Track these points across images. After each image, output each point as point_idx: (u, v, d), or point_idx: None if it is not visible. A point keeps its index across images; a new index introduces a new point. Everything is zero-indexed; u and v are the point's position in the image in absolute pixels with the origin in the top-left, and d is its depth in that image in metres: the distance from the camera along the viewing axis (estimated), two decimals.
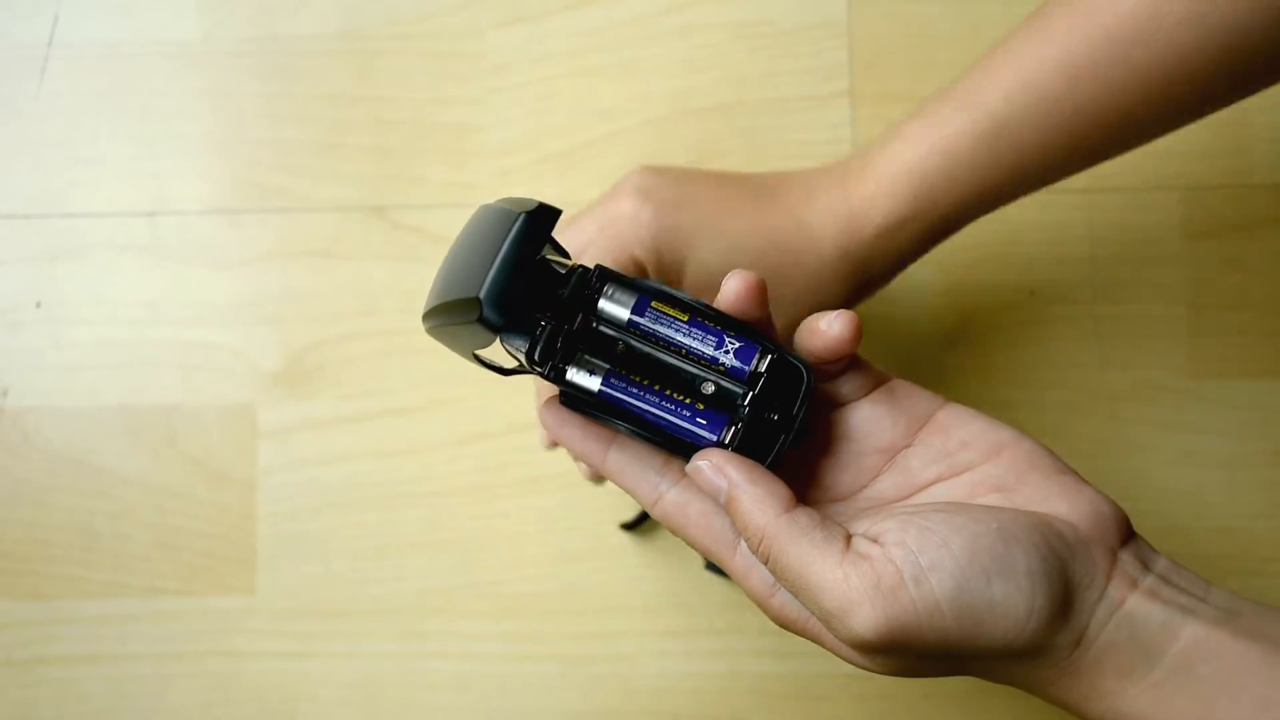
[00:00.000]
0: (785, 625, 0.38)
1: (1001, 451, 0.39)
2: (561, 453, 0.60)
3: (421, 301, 0.59)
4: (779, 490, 0.36)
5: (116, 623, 0.59)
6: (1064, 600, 0.35)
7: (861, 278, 0.49)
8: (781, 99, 0.61)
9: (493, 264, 0.36)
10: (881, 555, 0.35)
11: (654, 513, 0.40)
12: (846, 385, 0.41)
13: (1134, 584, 0.36)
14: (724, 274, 0.38)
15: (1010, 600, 0.34)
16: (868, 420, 0.40)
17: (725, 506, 0.37)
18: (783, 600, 0.38)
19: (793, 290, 0.48)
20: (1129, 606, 0.35)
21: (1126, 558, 0.37)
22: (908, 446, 0.40)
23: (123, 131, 0.62)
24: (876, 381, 0.41)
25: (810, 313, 0.39)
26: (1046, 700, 0.37)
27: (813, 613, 0.36)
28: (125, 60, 0.62)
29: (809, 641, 0.57)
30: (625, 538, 0.59)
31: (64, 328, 0.61)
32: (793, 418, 0.38)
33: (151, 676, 0.59)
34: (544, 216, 0.37)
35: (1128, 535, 0.38)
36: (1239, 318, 0.60)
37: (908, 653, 0.35)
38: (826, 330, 0.38)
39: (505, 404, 0.60)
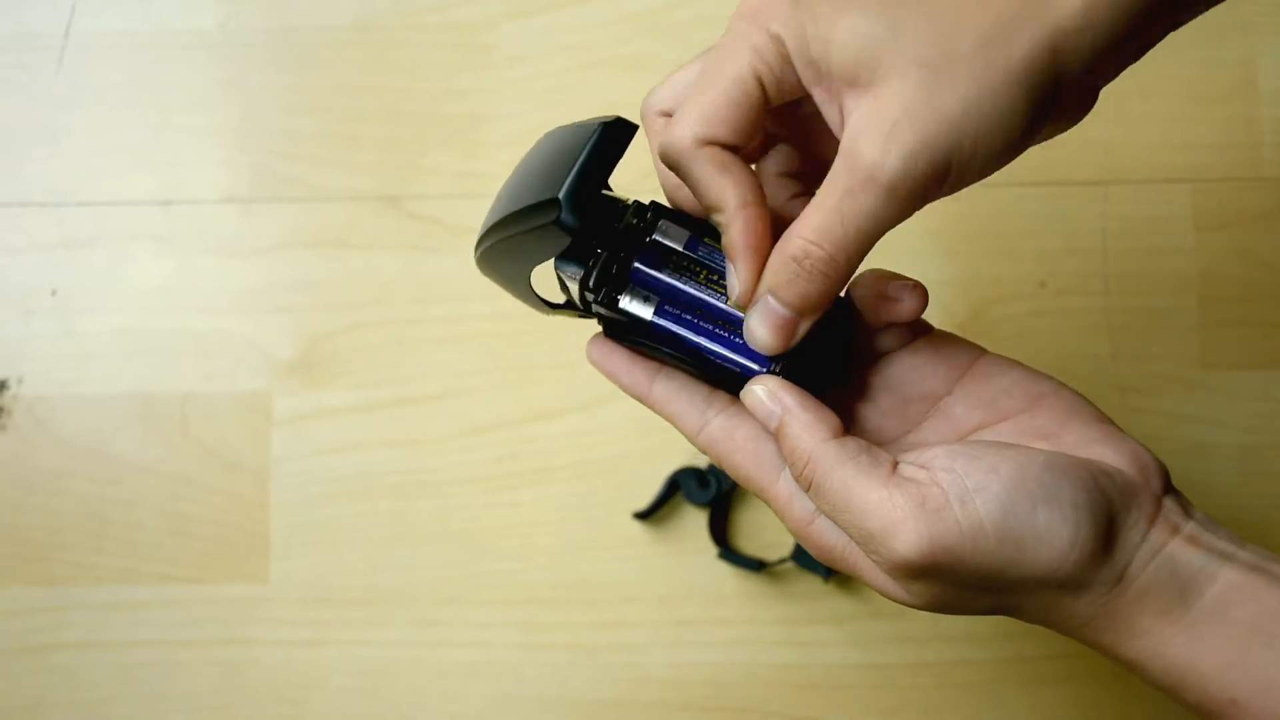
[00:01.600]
0: (822, 555, 0.38)
1: (1043, 400, 0.39)
2: (573, 442, 0.60)
3: (434, 290, 0.60)
4: (828, 417, 0.36)
5: (129, 610, 0.59)
6: (1108, 535, 0.35)
7: (1053, 65, 0.35)
8: None
9: (572, 168, 0.36)
10: (928, 478, 0.35)
11: (699, 440, 0.40)
12: (889, 335, 0.41)
13: (1175, 530, 0.36)
14: (882, 42, 0.33)
15: (1055, 528, 0.34)
16: (910, 368, 0.40)
17: (775, 433, 0.37)
18: (821, 527, 0.38)
19: (968, 43, 0.34)
20: (1170, 550, 0.36)
21: (1169, 504, 0.37)
22: (949, 394, 0.40)
23: (138, 121, 0.62)
24: (916, 331, 0.41)
25: (977, 117, 0.34)
26: (1079, 639, 0.37)
27: (854, 538, 0.36)
28: (141, 50, 0.62)
29: (822, 631, 0.57)
30: (638, 527, 0.60)
31: (79, 316, 0.61)
32: (837, 351, 0.38)
33: (163, 664, 0.59)
34: (622, 128, 0.37)
35: (1168, 484, 0.38)
36: (1249, 310, 0.60)
37: (948, 578, 0.35)
38: (895, 297, 0.38)
39: (518, 394, 0.60)
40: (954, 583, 0.35)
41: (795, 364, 0.37)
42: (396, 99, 0.62)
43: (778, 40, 0.35)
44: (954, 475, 0.35)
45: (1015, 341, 0.60)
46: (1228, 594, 0.35)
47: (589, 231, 0.36)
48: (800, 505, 0.38)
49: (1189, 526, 0.36)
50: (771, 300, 0.36)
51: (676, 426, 0.40)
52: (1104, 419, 0.39)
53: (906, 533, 0.34)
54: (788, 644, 0.59)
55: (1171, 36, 0.59)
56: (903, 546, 0.34)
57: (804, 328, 0.36)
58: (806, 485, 0.36)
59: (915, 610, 0.39)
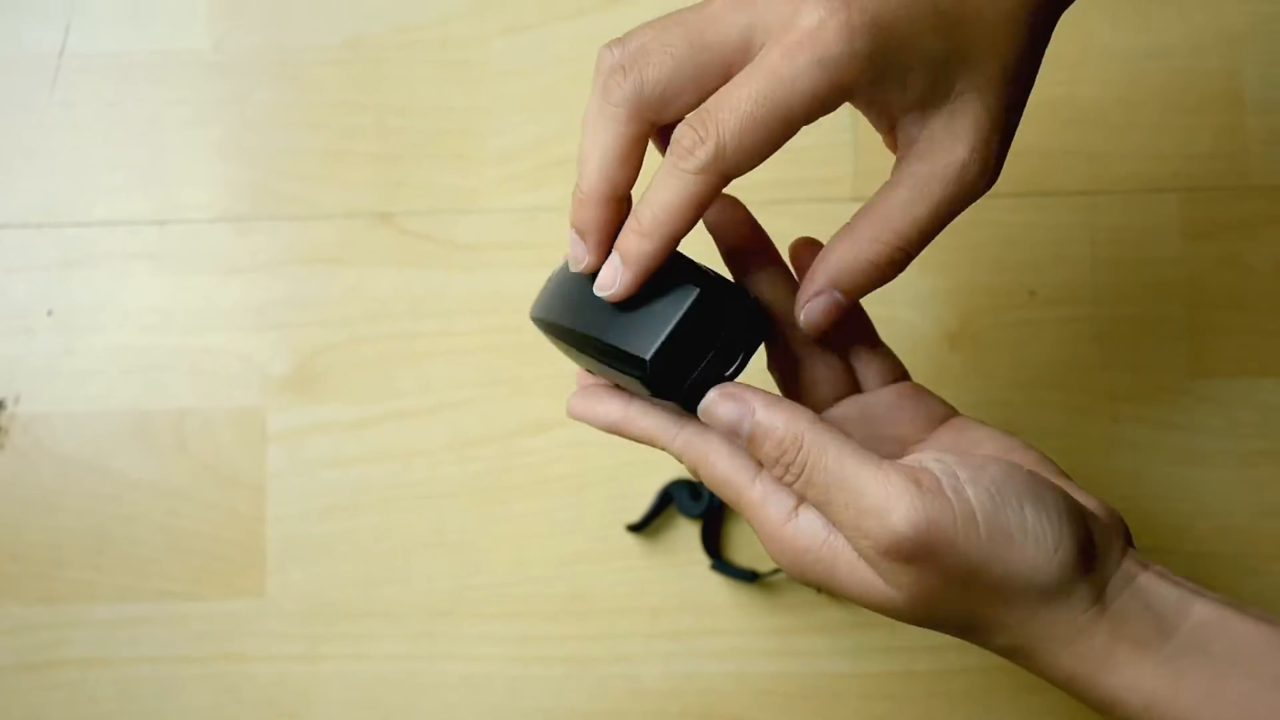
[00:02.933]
0: (796, 559, 0.38)
1: (1012, 453, 0.39)
2: (566, 454, 0.60)
3: (427, 305, 0.60)
4: (801, 406, 0.37)
5: (127, 626, 0.60)
6: (1087, 547, 0.35)
7: None
8: None
9: (668, 326, 0.37)
10: (920, 465, 0.35)
11: (674, 447, 0.40)
12: (870, 372, 0.41)
13: (1145, 565, 0.37)
14: None
15: (1040, 528, 0.35)
16: (888, 409, 0.41)
17: (752, 432, 0.36)
18: (797, 526, 0.37)
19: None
20: (1143, 580, 0.36)
21: (1132, 551, 0.37)
22: (921, 441, 0.41)
23: (133, 140, 0.62)
24: (896, 374, 0.41)
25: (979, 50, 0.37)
26: (1056, 675, 0.37)
27: (841, 521, 0.35)
28: (135, 70, 0.63)
29: (814, 640, 0.57)
30: (632, 539, 0.60)
31: (75, 335, 0.61)
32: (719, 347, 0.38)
33: (162, 679, 0.59)
34: (726, 303, 0.38)
35: (1129, 539, 0.38)
36: (1238, 317, 0.61)
37: (936, 564, 0.34)
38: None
39: (511, 407, 0.61)
40: (940, 572, 0.35)
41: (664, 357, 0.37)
42: (389, 116, 0.62)
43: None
44: (945, 466, 0.35)
45: (1004, 351, 0.61)
46: (1203, 628, 0.35)
47: (669, 386, 0.38)
48: (776, 505, 0.37)
49: (1156, 567, 0.37)
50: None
51: (653, 440, 0.40)
52: (1067, 477, 0.39)
53: (904, 508, 0.34)
54: (781, 654, 0.59)
55: (1158, 46, 0.60)
56: (899, 521, 0.34)
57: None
58: (798, 473, 0.36)
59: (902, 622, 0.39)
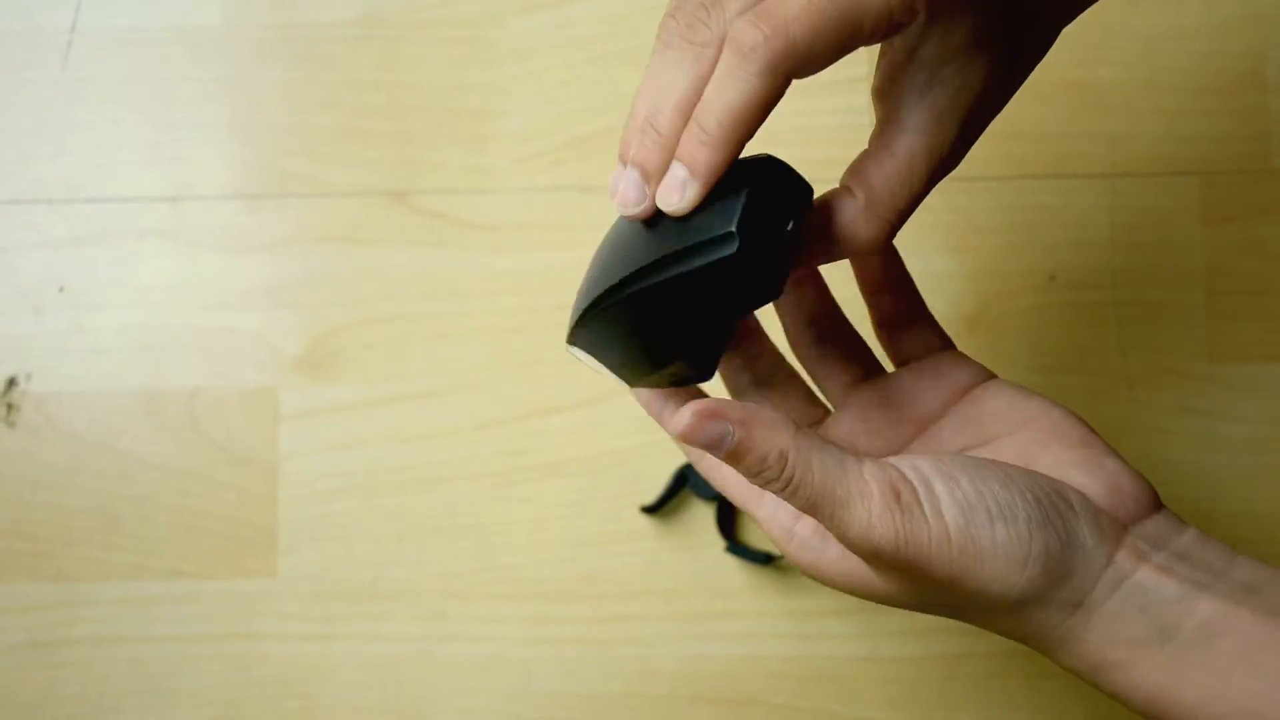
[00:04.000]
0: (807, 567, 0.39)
1: (1027, 424, 0.39)
2: (581, 436, 0.60)
3: (441, 285, 0.60)
4: (782, 417, 0.35)
5: (139, 605, 0.59)
6: (1061, 555, 0.35)
7: None
8: (800, 83, 0.61)
9: (739, 203, 0.35)
10: (901, 476, 0.35)
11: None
12: (909, 340, 0.41)
13: (1142, 557, 0.36)
14: None
15: (1010, 544, 0.34)
16: (908, 391, 0.41)
17: (734, 450, 0.35)
18: (797, 545, 0.39)
19: None
20: (1138, 578, 0.35)
21: (1142, 532, 0.37)
22: (940, 419, 0.40)
23: (145, 117, 0.62)
24: (940, 342, 0.41)
25: None
26: (1066, 667, 0.37)
27: (829, 528, 0.35)
28: (148, 46, 0.62)
29: (829, 624, 0.57)
30: (646, 521, 0.60)
31: (87, 312, 0.61)
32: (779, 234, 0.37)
33: (173, 658, 0.59)
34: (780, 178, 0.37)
35: (1150, 509, 0.38)
36: (1258, 302, 0.60)
37: (915, 575, 0.35)
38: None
39: (525, 388, 0.60)
40: (920, 579, 0.35)
41: (749, 235, 0.36)
42: (403, 94, 0.62)
43: None
44: (922, 477, 0.35)
45: (1023, 335, 0.60)
46: (1209, 626, 0.35)
47: (757, 259, 0.36)
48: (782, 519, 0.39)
49: (1159, 557, 0.36)
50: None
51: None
52: (1089, 440, 0.39)
53: (883, 527, 0.34)
54: (795, 637, 0.59)
55: (1180, 28, 0.59)
56: (879, 539, 0.34)
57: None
58: (788, 481, 0.35)
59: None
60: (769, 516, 0.40)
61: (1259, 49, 0.61)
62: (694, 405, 0.35)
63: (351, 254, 0.61)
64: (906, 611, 0.58)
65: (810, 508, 0.35)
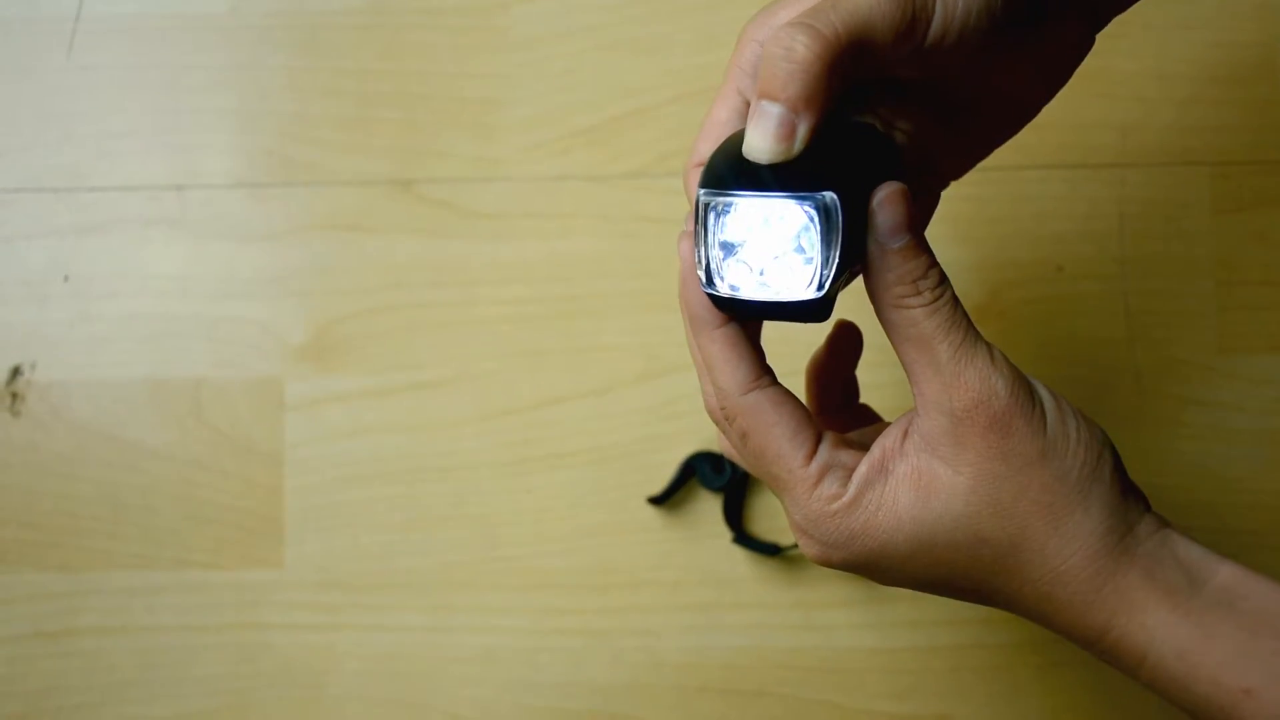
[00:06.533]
0: (830, 505, 0.40)
1: None
2: (587, 427, 0.60)
3: (447, 274, 0.59)
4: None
5: (145, 595, 0.59)
6: (1123, 471, 0.38)
7: None
8: None
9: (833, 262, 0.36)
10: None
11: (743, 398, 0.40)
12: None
13: (1165, 521, 0.38)
14: None
15: (1089, 442, 0.37)
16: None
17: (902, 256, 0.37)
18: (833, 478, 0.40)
19: None
20: (1170, 533, 0.37)
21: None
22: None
23: (150, 105, 0.62)
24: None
25: None
26: (1092, 622, 0.37)
27: (940, 379, 0.37)
28: (153, 33, 0.62)
29: (836, 615, 0.57)
30: (652, 512, 0.59)
31: (91, 301, 0.61)
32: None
33: (179, 648, 0.59)
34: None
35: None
36: (1267, 293, 0.60)
37: (1006, 443, 0.36)
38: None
39: (532, 378, 0.60)
40: (1005, 453, 0.36)
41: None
42: (409, 82, 0.62)
43: None
44: (1016, 371, 0.37)
45: (1031, 326, 0.60)
46: (1231, 586, 0.36)
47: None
48: (830, 481, 0.39)
49: (1177, 527, 0.38)
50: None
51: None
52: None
53: (1006, 379, 0.36)
54: (802, 628, 0.59)
55: (1191, 18, 0.59)
56: (999, 384, 0.36)
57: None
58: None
59: (928, 595, 0.40)
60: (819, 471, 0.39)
61: (1270, 39, 0.61)
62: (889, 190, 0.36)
63: (357, 243, 0.61)
64: (914, 600, 0.58)
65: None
